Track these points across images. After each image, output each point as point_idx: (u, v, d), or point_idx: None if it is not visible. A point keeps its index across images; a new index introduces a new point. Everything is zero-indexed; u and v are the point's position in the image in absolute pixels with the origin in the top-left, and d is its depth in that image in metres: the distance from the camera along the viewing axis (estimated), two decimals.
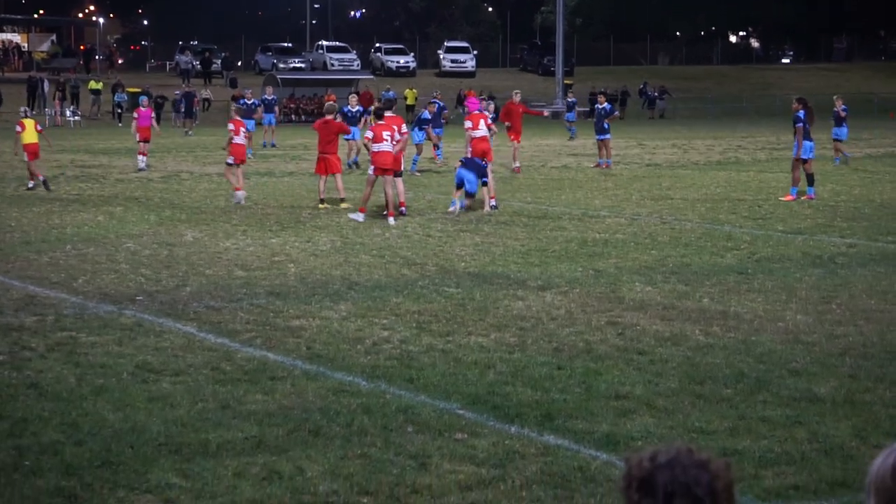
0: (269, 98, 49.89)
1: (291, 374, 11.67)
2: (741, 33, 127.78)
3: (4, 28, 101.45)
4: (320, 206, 25.88)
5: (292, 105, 72.53)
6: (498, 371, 11.79)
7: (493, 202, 25.56)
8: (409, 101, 72.06)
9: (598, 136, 38.42)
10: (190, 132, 58.65)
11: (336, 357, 12.40)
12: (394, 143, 23.80)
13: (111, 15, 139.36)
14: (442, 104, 42.89)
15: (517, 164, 35.09)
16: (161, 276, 17.31)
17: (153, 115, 37.75)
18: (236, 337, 13.35)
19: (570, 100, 56.30)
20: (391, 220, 23.27)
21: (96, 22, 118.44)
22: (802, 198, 27.14)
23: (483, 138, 27.60)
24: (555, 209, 25.95)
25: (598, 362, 12.15)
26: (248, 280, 16.98)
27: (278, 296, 15.78)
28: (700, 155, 43.32)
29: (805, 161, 27.19)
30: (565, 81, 79.05)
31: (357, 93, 65.92)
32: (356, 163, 36.75)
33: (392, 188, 23.96)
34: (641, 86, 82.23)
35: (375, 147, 23.76)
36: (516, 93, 36.85)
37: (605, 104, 39.46)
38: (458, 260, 18.86)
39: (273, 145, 47.02)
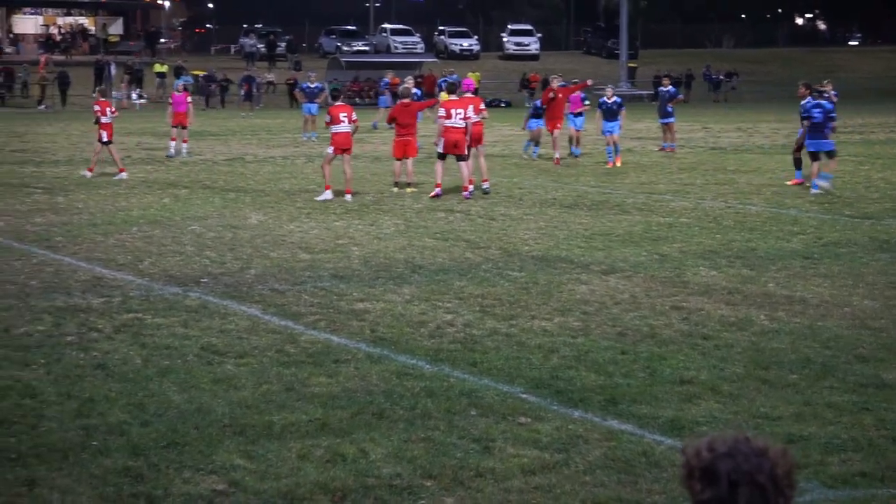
0: (313, 86, 44.35)
1: (355, 356, 11.70)
2: (808, 15, 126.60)
3: (72, 11, 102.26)
4: (395, 188, 25.94)
5: (356, 88, 72.64)
6: (561, 355, 11.76)
7: (485, 185, 25.30)
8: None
9: (661, 120, 38.20)
10: (244, 115, 58.94)
11: (399, 340, 12.42)
12: (463, 121, 24.73)
13: None
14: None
15: (557, 155, 32.89)
16: (226, 258, 17.40)
17: (189, 99, 36.12)
18: (300, 319, 13.40)
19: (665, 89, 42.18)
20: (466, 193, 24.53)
21: (161, 5, 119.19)
22: (789, 182, 26.90)
23: (456, 129, 24.80)
24: (619, 193, 25.84)
25: (662, 347, 12.09)
26: (311, 263, 17.04)
27: (342, 279, 15.82)
28: (765, 138, 42.97)
29: (802, 147, 26.76)
30: (629, 64, 78.74)
31: (421, 76, 66.12)
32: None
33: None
34: (705, 69, 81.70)
35: (448, 123, 24.73)
36: (553, 77, 35.07)
37: (670, 87, 39.18)
38: (522, 243, 18.83)
39: (314, 137, 41.69)
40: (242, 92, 63.37)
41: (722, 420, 9.67)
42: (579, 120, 35.34)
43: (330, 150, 24.83)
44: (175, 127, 35.35)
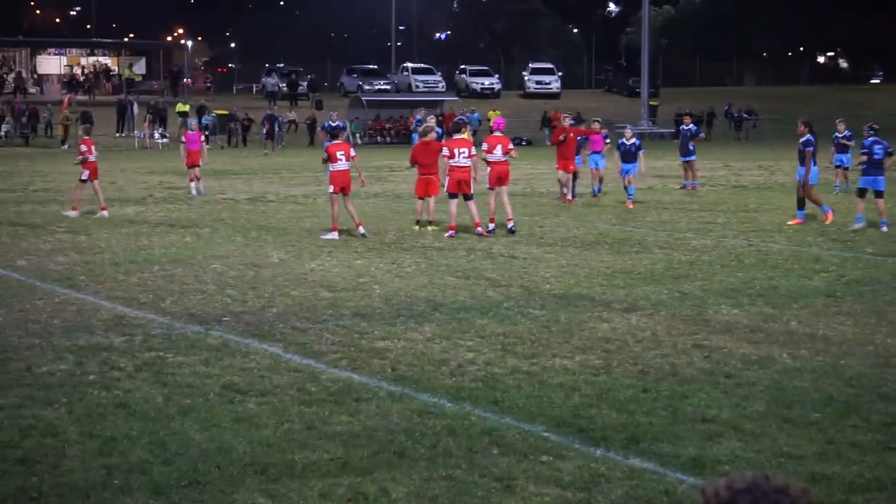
0: (335, 124, 42.12)
1: (376, 395, 11.69)
2: (829, 53, 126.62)
3: (96, 51, 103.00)
4: (416, 227, 25.99)
5: (378, 127, 72.87)
6: (583, 393, 11.74)
7: (510, 224, 25.03)
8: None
9: (683, 158, 38.21)
10: (266, 153, 59.17)
11: (421, 378, 12.40)
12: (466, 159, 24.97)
13: (199, 38, 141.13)
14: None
15: (570, 195, 32.46)
16: (247, 296, 17.43)
17: (203, 138, 36.41)
18: (322, 358, 13.40)
19: (686, 127, 41.16)
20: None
21: (184, 45, 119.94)
22: (791, 222, 26.75)
23: (461, 168, 24.90)
24: (640, 231, 25.83)
25: (684, 385, 12.05)
26: (333, 301, 17.05)
27: (363, 317, 15.83)
28: (787, 176, 42.87)
29: (807, 185, 26.76)
30: (651, 102, 78.80)
31: (442, 114, 66.32)
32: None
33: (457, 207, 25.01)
34: (726, 107, 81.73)
35: (452, 162, 24.98)
36: (565, 116, 34.50)
37: (691, 125, 39.17)
38: (543, 282, 18.82)
39: None
40: (264, 131, 63.61)
41: (744, 459, 9.63)
42: (601, 160, 35.08)
43: (330, 188, 24.85)
44: (191, 168, 35.21)
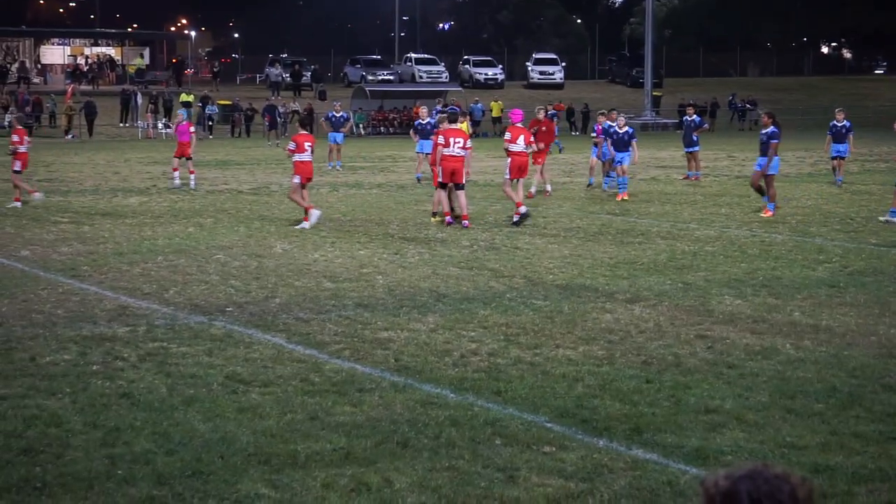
0: (338, 115, 44.41)
1: (379, 385, 11.70)
2: (833, 44, 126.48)
3: (99, 42, 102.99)
4: (433, 218, 25.89)
5: (381, 117, 72.87)
6: (586, 384, 11.74)
7: (465, 222, 24.88)
8: (494, 114, 72.11)
9: (686, 149, 38.21)
10: (269, 143, 59.29)
11: (424, 369, 12.41)
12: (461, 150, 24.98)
13: (202, 28, 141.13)
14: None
15: (534, 189, 31.61)
16: (250, 287, 17.44)
17: (192, 129, 35.63)
18: (325, 348, 13.41)
19: (689, 118, 39.73)
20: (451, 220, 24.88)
21: (188, 35, 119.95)
22: (764, 214, 26.68)
23: (454, 157, 24.80)
24: (643, 222, 25.82)
25: (687, 376, 12.06)
26: (336, 292, 17.06)
27: (366, 307, 15.84)
28: (791, 167, 42.88)
29: (769, 176, 26.70)
30: (654, 93, 78.76)
31: (445, 105, 66.23)
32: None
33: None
34: (730, 97, 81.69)
35: (446, 151, 24.98)
36: (540, 108, 33.96)
37: (695, 116, 39.13)
38: (546, 272, 18.82)
39: (339, 166, 42.66)
40: (266, 122, 63.69)
41: (747, 449, 9.63)
42: (625, 155, 34.28)
43: (297, 179, 25.01)
44: (178, 157, 34.47)
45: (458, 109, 32.29)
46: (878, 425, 10.31)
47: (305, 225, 24.39)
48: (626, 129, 32.29)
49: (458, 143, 24.90)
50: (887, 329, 14.33)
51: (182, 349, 13.30)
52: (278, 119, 64.62)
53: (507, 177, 25.61)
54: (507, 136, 26.01)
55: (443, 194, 24.97)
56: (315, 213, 24.68)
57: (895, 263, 19.66)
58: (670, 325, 14.65)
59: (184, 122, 35.66)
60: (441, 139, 25.12)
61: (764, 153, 26.73)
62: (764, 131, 27.03)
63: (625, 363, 12.64)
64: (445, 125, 25.49)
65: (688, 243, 22.17)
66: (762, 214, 26.70)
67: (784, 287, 17.33)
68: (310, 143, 25.04)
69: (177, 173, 34.76)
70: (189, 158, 34.46)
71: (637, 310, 15.62)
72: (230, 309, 15.73)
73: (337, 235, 23.43)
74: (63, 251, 21.16)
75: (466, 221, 24.64)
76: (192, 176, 34.66)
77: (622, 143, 31.85)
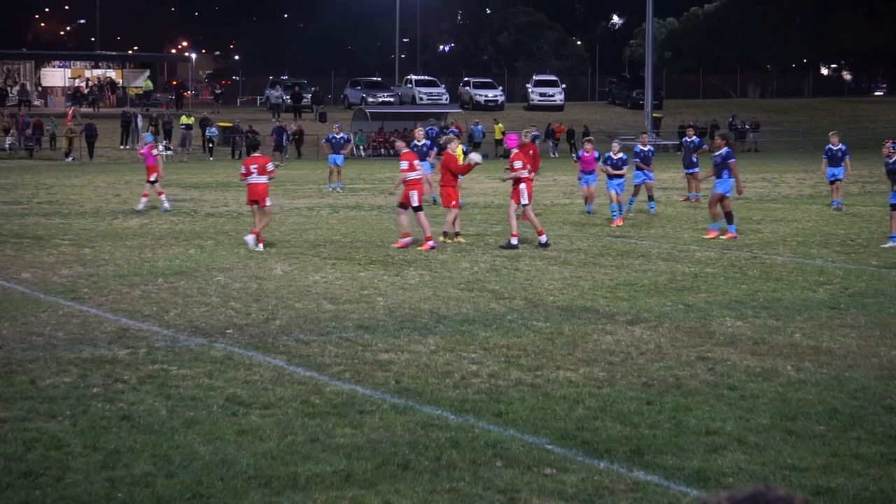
0: (339, 137, 44.48)
1: (380, 407, 11.69)
2: (833, 65, 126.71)
3: (100, 64, 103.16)
4: (455, 239, 25.85)
5: (381, 139, 72.94)
6: (587, 406, 11.73)
7: (430, 243, 24.70)
8: (496, 136, 72.22)
9: (686, 170, 38.22)
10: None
11: (424, 391, 12.40)
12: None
13: (203, 51, 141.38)
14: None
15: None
16: (251, 309, 17.43)
17: (155, 152, 34.30)
18: (325, 370, 13.40)
19: (689, 139, 39.32)
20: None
21: (188, 58, 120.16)
22: (724, 237, 26.49)
23: (413, 181, 25.10)
24: (643, 243, 25.82)
25: (688, 397, 12.04)
26: (336, 313, 17.05)
27: (367, 329, 15.83)
28: (791, 188, 42.93)
29: (724, 198, 26.70)
30: (654, 115, 78.84)
31: (447, 126, 66.34)
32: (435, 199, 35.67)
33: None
34: (730, 119, 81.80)
35: (411, 175, 25.21)
36: (526, 132, 32.01)
37: (695, 137, 39.13)
38: (547, 294, 18.82)
39: (340, 188, 43.05)
40: (274, 143, 63.72)
41: (748, 471, 9.61)
42: (591, 178, 33.91)
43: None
44: (148, 182, 33.77)
45: (455, 132, 32.32)
46: (880, 447, 10.29)
47: (248, 238, 24.88)
48: (621, 155, 31.95)
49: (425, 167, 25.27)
50: (888, 351, 14.32)
51: (182, 371, 13.29)
52: (284, 142, 64.79)
53: (526, 202, 25.17)
54: (518, 164, 25.38)
55: (403, 216, 25.00)
56: (249, 239, 24.87)
57: None
58: (671, 346, 14.64)
59: (146, 146, 34.94)
60: (405, 164, 25.28)
61: (719, 175, 26.84)
62: (717, 153, 27.09)
63: (626, 385, 12.62)
64: (403, 148, 26.30)
65: (688, 265, 22.17)
66: (706, 237, 26.64)
67: (785, 309, 17.32)
68: (255, 166, 25.13)
69: (143, 199, 34.10)
70: (154, 182, 33.49)
71: (638, 331, 15.61)
72: (230, 331, 15.72)
73: (337, 257, 23.43)
74: (63, 273, 21.16)
75: (431, 242, 24.57)
76: (163, 197, 34.10)
77: (616, 169, 31.40)
